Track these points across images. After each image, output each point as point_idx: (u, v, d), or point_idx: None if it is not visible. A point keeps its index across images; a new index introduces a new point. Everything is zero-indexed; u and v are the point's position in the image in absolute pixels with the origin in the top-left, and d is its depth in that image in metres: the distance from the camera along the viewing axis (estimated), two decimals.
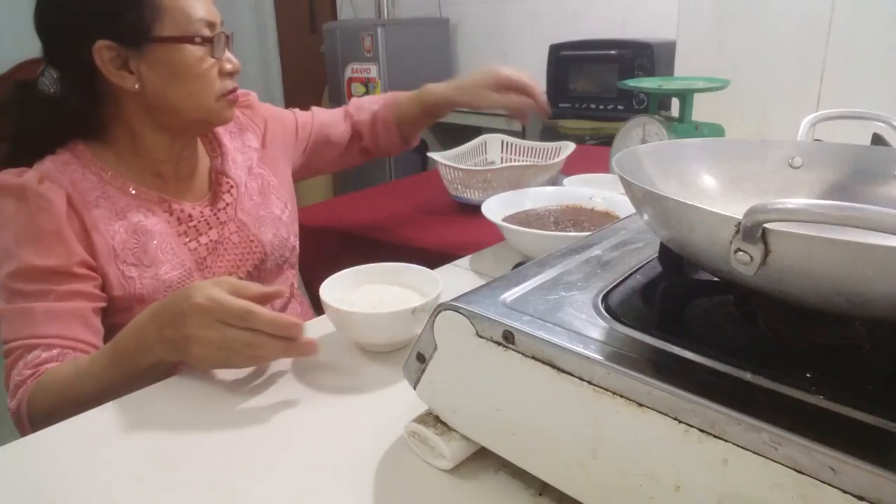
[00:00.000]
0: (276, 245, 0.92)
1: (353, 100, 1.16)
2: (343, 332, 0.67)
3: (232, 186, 0.90)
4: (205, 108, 0.81)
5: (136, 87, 0.77)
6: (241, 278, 0.85)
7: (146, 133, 0.82)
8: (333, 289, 0.68)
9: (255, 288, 0.63)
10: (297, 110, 1.10)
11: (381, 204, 1.36)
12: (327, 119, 1.12)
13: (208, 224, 0.86)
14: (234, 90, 0.83)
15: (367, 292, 0.69)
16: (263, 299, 0.62)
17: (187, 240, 0.83)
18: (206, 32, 0.78)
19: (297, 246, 1.00)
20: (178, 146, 0.85)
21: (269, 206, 0.94)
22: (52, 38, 0.77)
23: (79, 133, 0.81)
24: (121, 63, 0.76)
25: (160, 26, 0.75)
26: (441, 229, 1.18)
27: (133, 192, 0.81)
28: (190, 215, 0.85)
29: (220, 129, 0.93)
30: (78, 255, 0.74)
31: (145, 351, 0.63)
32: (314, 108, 1.13)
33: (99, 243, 0.76)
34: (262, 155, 0.98)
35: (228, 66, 0.82)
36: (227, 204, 0.89)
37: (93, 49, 0.74)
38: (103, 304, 0.76)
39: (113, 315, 0.78)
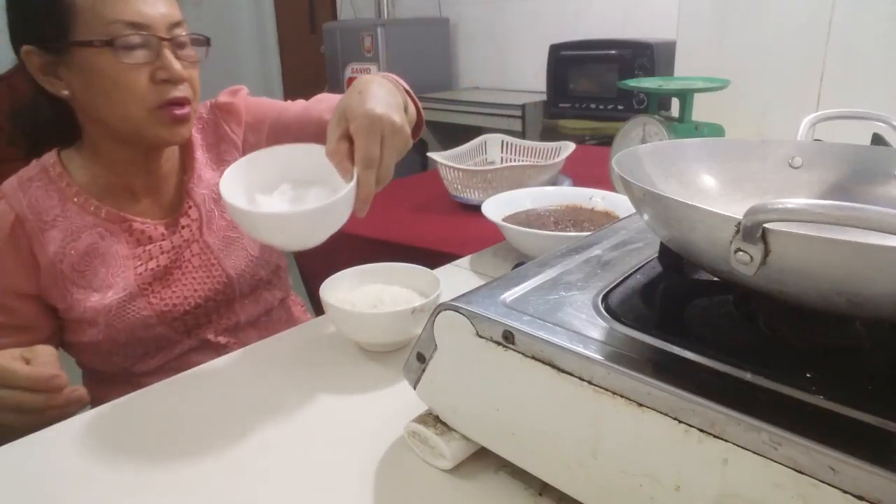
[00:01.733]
0: (242, 268, 0.86)
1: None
2: (343, 332, 0.67)
3: (191, 206, 0.84)
4: (131, 120, 0.73)
5: (66, 93, 0.73)
6: (197, 304, 0.82)
7: (103, 143, 0.78)
8: (334, 288, 0.68)
9: (27, 369, 0.59)
10: (288, 104, 0.94)
11: (381, 204, 1.36)
12: (296, 108, 0.93)
13: (161, 248, 0.81)
14: (173, 101, 0.73)
15: (367, 292, 0.69)
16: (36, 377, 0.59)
17: (138, 263, 0.80)
18: (128, 34, 0.70)
19: (284, 264, 0.94)
20: (140, 158, 0.80)
21: (238, 226, 0.86)
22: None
23: (56, 140, 0.80)
24: (50, 69, 0.72)
25: (75, 30, 0.70)
26: (441, 229, 1.18)
27: (93, 210, 0.78)
28: (150, 237, 0.81)
29: (195, 139, 0.87)
30: (9, 285, 0.75)
31: None
32: (321, 97, 0.94)
33: (45, 266, 0.75)
34: None
35: (161, 74, 0.72)
36: (186, 225, 0.83)
37: (21, 54, 0.72)
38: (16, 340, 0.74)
39: (67, 333, 0.80)
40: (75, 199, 0.77)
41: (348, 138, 0.62)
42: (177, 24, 0.74)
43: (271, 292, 0.92)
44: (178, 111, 0.74)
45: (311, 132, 0.85)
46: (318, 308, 1.02)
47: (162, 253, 0.81)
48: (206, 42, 0.78)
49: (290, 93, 4.13)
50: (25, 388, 0.57)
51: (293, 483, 0.48)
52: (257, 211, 0.61)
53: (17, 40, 0.73)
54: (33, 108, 0.78)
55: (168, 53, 0.72)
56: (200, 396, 0.61)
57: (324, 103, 0.91)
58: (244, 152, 0.88)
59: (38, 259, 0.75)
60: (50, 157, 0.79)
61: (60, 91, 0.73)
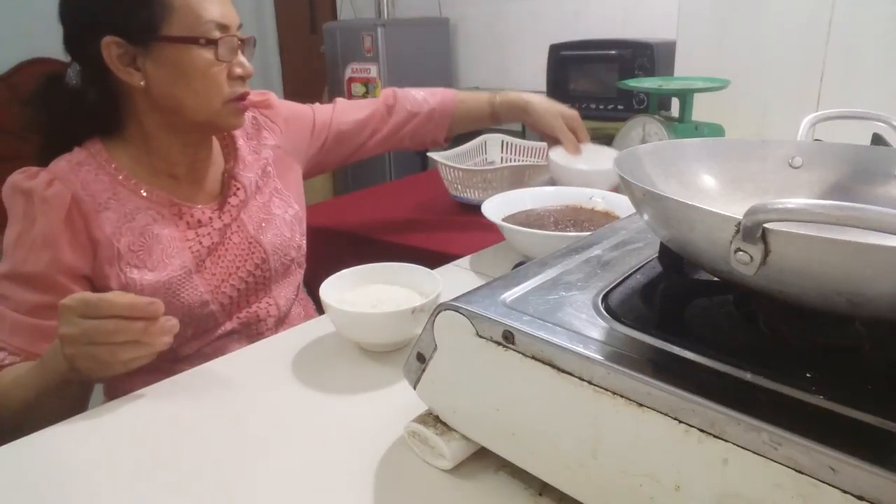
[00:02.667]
0: (277, 245, 0.91)
1: (401, 91, 1.14)
2: (343, 332, 0.67)
3: (239, 188, 0.90)
4: (210, 110, 0.80)
5: (142, 84, 0.76)
6: (241, 278, 0.86)
7: (158, 133, 0.82)
8: (334, 288, 0.68)
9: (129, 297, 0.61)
10: (317, 106, 1.08)
11: (381, 204, 1.36)
12: (351, 116, 1.09)
13: (213, 227, 0.86)
14: (243, 96, 0.82)
15: (367, 292, 0.69)
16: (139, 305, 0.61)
17: (191, 243, 0.83)
18: (216, 34, 0.77)
19: (304, 245, 0.99)
20: (192, 148, 0.85)
21: (270, 206, 0.93)
22: (68, 30, 0.77)
23: (98, 129, 0.82)
24: (129, 60, 0.76)
25: (168, 25, 0.75)
26: (441, 229, 1.18)
27: (144, 194, 0.81)
28: (199, 220, 0.85)
29: (236, 131, 0.92)
30: (65, 264, 0.75)
31: (54, 355, 0.63)
32: (338, 101, 1.10)
33: (103, 245, 0.77)
34: (278, 154, 0.97)
35: (238, 71, 0.81)
36: (234, 206, 0.89)
37: (101, 44, 0.74)
38: None
39: None
40: (125, 184, 0.80)
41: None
42: (240, 26, 0.82)
43: (297, 272, 0.98)
44: (245, 103, 0.83)
45: (367, 134, 1.09)
46: (319, 309, 1.02)
47: (211, 231, 0.85)
48: (254, 43, 0.86)
49: (290, 93, 4.13)
50: (122, 317, 0.58)
51: (293, 483, 0.48)
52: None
53: (93, 31, 0.74)
54: (79, 98, 0.79)
55: (241, 53, 0.81)
56: (200, 396, 0.61)
57: (365, 110, 1.10)
58: (278, 144, 0.98)
59: (95, 239, 0.77)
60: (94, 145, 0.81)
61: (137, 82, 0.76)
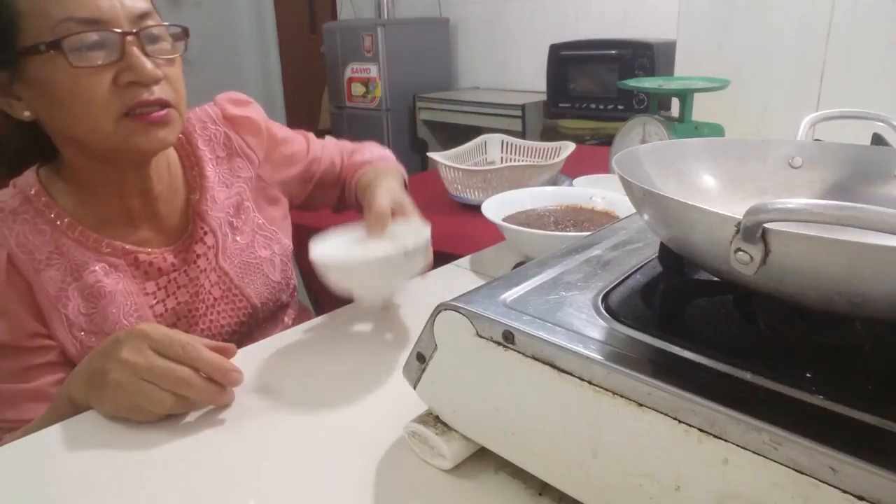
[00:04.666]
0: (266, 296, 0.80)
1: (350, 146, 0.97)
2: (335, 286, 0.63)
3: (206, 232, 0.75)
4: (101, 133, 0.62)
5: (27, 114, 0.63)
6: (222, 336, 0.77)
7: (82, 166, 0.68)
8: (322, 249, 0.65)
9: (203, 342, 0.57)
10: (311, 137, 0.92)
11: None
12: (334, 158, 0.93)
13: (177, 282, 0.74)
14: (140, 104, 0.62)
15: (356, 247, 0.66)
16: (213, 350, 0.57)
17: (154, 301, 0.72)
18: (79, 32, 0.59)
19: (294, 280, 0.88)
20: (127, 178, 0.69)
21: (255, 249, 0.80)
22: None
23: (32, 159, 0.70)
24: (5, 88, 0.62)
25: (22, 36, 0.59)
26: (441, 229, 1.17)
27: (92, 244, 0.69)
28: (159, 268, 0.72)
29: (203, 153, 0.77)
30: (26, 328, 0.66)
31: (66, 384, 0.58)
32: (328, 141, 0.95)
33: (48, 311, 0.67)
34: (257, 186, 0.82)
35: (126, 76, 0.61)
36: (202, 254, 0.75)
37: None
38: (66, 372, 0.67)
39: None
40: (69, 233, 0.68)
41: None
42: (144, 16, 0.63)
43: (286, 312, 0.88)
44: (156, 114, 0.63)
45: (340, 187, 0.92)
46: (317, 310, 1.01)
47: (179, 287, 0.74)
48: (185, 34, 0.67)
49: (291, 93, 4.14)
50: (199, 373, 0.54)
51: (293, 483, 0.48)
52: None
53: None
54: (3, 136, 0.67)
55: (134, 51, 0.61)
56: None
57: (355, 155, 0.94)
58: (259, 175, 0.82)
59: (38, 304, 0.66)
60: (29, 183, 0.68)
61: (21, 113, 0.63)
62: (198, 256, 0.75)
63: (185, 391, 0.54)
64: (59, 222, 0.68)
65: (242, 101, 0.84)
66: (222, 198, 0.78)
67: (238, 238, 0.79)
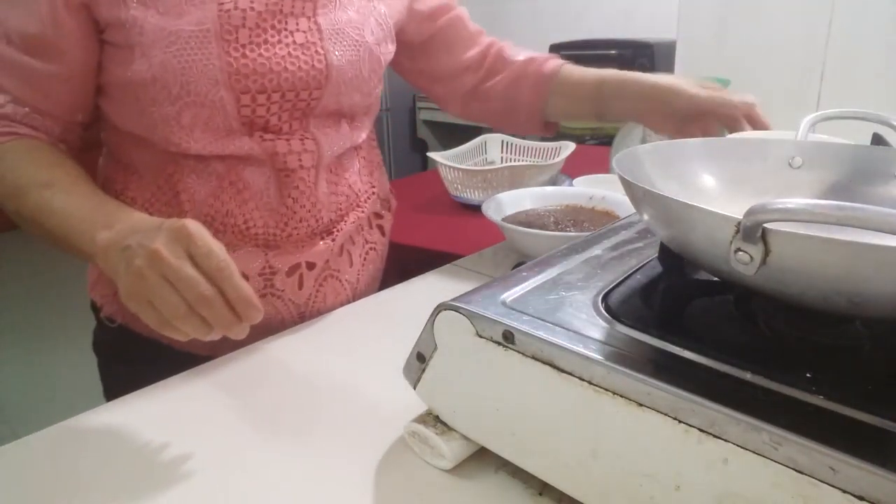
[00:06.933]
0: (344, 70, 0.70)
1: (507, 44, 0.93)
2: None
3: None
4: None
5: None
6: (276, 86, 0.66)
7: None
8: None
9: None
10: None
11: None
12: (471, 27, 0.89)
13: None
14: None
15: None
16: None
17: None
18: None
19: (378, 105, 0.79)
20: None
21: (361, 26, 0.72)
22: None
23: None
24: None
25: None
26: (441, 229, 1.18)
27: None
28: None
29: None
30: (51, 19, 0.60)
31: (93, 234, 0.55)
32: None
33: None
34: None
35: None
36: None
37: None
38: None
39: (106, 70, 0.65)
40: None
41: None
42: None
43: (356, 128, 0.77)
44: None
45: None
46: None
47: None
48: None
49: None
50: (223, 296, 0.50)
51: (293, 483, 0.48)
52: None
53: None
54: None
55: None
56: (199, 395, 0.61)
57: None
58: None
59: None
60: None
61: None
62: None
63: (203, 309, 0.50)
64: None
65: None
66: None
67: (349, 9, 0.71)
